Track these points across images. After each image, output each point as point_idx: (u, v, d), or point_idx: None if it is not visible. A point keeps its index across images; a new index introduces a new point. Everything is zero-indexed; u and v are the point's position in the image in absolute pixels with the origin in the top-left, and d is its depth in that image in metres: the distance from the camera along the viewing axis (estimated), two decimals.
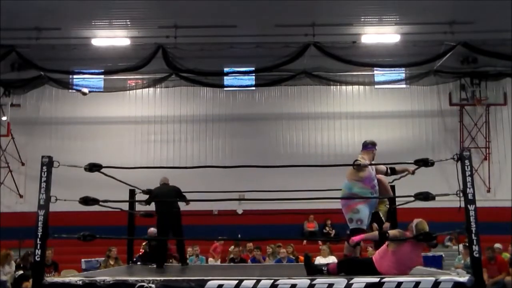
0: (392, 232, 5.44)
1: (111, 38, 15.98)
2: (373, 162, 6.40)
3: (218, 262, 13.31)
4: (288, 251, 12.11)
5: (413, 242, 5.36)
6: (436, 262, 11.44)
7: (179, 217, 8.09)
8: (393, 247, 5.39)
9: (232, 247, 13.05)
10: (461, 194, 5.11)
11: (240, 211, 16.44)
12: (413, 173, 6.52)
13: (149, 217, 8.16)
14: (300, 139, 18.00)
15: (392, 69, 17.25)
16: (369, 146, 6.48)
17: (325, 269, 5.57)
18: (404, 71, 17.61)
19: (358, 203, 6.07)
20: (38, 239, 5.05)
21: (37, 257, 5.03)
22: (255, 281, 4.79)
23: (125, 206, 7.96)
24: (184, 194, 8.05)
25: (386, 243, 5.50)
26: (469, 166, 5.16)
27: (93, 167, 5.74)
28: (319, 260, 11.57)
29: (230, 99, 18.30)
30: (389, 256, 5.38)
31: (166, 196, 7.95)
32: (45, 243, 5.09)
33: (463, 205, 5.08)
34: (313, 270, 5.61)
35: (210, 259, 13.77)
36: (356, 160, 6.21)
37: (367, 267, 5.37)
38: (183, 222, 8.18)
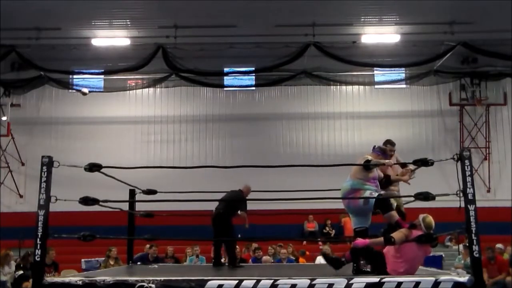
0: (397, 237, 5.43)
1: (111, 38, 15.99)
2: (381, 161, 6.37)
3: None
4: (288, 251, 12.12)
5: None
6: (436, 262, 11.42)
7: (217, 220, 8.27)
8: (398, 244, 5.42)
9: None
10: (461, 194, 5.12)
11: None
12: (411, 174, 6.47)
13: (149, 217, 8.17)
14: (300, 139, 17.99)
15: (392, 69, 17.25)
16: (376, 150, 6.52)
17: (344, 259, 5.70)
18: (404, 71, 17.61)
19: (361, 191, 6.03)
20: (38, 239, 5.05)
21: (37, 257, 5.03)
22: (255, 281, 4.80)
23: (125, 206, 7.95)
24: (235, 201, 8.50)
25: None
26: (469, 166, 5.16)
27: (93, 167, 5.75)
28: (320, 260, 11.57)
29: (230, 99, 18.29)
30: (394, 252, 5.43)
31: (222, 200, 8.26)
32: (45, 243, 5.08)
33: (463, 205, 5.08)
34: (338, 263, 5.70)
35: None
36: (366, 160, 6.17)
37: (377, 259, 5.48)
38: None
